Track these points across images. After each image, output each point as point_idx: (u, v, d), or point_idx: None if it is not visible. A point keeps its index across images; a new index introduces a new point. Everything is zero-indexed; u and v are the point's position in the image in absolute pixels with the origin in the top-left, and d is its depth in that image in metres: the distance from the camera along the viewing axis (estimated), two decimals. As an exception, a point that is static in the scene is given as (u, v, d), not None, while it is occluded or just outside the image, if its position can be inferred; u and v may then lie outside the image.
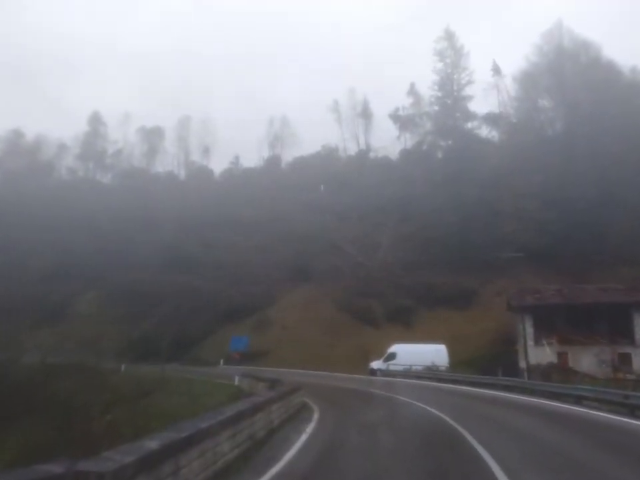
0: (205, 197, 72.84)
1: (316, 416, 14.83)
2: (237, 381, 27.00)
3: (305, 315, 49.54)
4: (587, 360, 30.56)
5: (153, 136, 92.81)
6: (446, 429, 12.18)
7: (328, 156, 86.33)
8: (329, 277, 53.06)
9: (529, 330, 32.60)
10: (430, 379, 31.31)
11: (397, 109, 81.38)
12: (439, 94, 69.67)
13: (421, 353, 34.62)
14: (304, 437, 11.06)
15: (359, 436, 11.70)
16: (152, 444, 5.58)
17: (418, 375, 32.85)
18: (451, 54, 69.30)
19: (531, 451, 9.62)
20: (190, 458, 6.40)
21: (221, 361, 44.95)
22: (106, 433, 9.17)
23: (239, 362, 42.29)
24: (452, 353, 35.67)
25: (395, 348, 37.16)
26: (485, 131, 72.54)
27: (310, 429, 12.35)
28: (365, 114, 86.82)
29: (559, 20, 62.12)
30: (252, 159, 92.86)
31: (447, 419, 13.43)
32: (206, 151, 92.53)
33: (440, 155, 71.44)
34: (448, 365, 34.92)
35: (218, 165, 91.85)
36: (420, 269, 50.55)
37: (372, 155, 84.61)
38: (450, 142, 68.81)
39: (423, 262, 51.14)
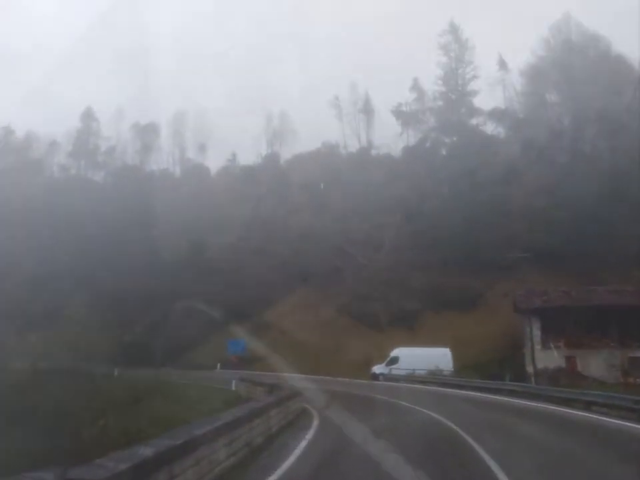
0: (201, 196, 71.98)
1: (315, 422, 14.59)
2: (234, 385, 26.60)
3: (305, 318, 48.87)
4: (596, 364, 30.00)
5: (147, 132, 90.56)
6: (450, 435, 11.95)
7: (328, 153, 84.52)
8: (329, 278, 52.39)
9: (537, 333, 31.96)
10: (434, 383, 30.87)
11: (400, 105, 78.77)
12: (443, 89, 69.34)
13: (424, 357, 34.19)
14: (303, 444, 10.85)
15: (360, 443, 11.32)
16: (146, 451, 5.50)
17: (421, 380, 32.37)
18: (456, 48, 68.92)
19: (538, 459, 9.35)
20: (185, 466, 6.29)
21: (218, 365, 44.45)
22: (98, 440, 8.94)
23: (237, 366, 41.59)
24: (457, 357, 35.22)
25: (397, 352, 36.80)
26: (490, 127, 71.18)
27: (309, 435, 12.13)
28: (367, 110, 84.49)
29: (566, 13, 61.68)
30: (250, 156, 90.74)
31: (452, 425, 13.21)
32: (202, 148, 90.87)
33: (444, 151, 70.69)
34: (452, 369, 34.43)
35: (214, 162, 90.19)
36: (424, 270, 49.95)
37: (374, 152, 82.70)
38: (454, 138, 68.15)
39: (427, 263, 50.46)
